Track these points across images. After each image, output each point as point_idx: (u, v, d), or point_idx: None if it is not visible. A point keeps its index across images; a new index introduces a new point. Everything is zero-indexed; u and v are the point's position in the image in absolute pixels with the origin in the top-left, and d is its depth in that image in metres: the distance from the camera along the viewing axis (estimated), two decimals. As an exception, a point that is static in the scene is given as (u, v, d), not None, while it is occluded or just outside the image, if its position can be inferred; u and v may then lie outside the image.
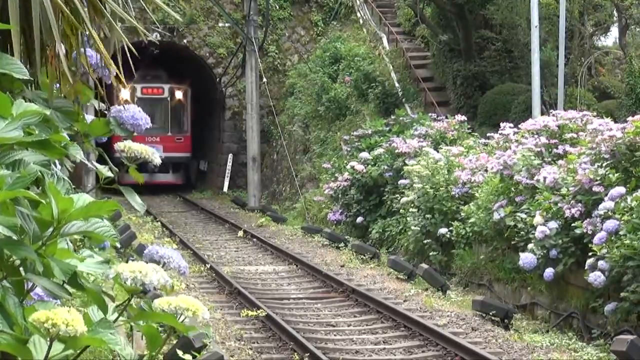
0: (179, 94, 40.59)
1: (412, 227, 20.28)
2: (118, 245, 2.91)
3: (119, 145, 3.49)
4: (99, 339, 2.45)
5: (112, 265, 2.80)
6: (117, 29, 3.80)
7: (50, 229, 2.71)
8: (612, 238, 13.21)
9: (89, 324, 2.48)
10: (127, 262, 2.81)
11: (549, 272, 14.61)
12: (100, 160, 3.82)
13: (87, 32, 3.65)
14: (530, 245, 15.08)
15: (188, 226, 29.57)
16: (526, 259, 14.94)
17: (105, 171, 3.40)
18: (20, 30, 3.50)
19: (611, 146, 14.48)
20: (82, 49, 3.77)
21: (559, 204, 14.85)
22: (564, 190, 14.90)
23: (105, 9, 3.75)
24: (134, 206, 3.45)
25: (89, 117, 3.63)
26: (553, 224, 14.71)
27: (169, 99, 40.19)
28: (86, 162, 3.50)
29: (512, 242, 16.12)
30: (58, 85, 3.70)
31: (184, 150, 40.47)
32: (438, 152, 21.47)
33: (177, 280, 16.97)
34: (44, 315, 2.33)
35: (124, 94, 36.19)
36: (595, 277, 13.18)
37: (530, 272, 15.32)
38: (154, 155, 3.66)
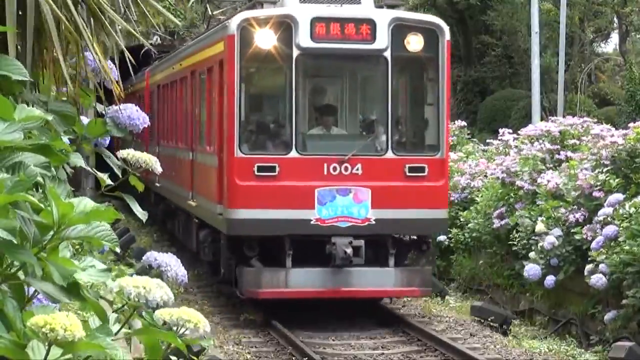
0: (416, 42, 14.97)
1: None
2: (118, 250, 2.90)
3: (121, 153, 3.37)
4: (97, 344, 2.45)
5: (114, 274, 2.80)
6: (114, 35, 3.80)
7: (51, 233, 2.70)
8: (612, 244, 13.22)
9: (87, 331, 2.47)
10: (125, 265, 2.81)
11: (550, 279, 14.55)
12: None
13: (85, 38, 3.64)
14: (531, 254, 15.01)
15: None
16: (531, 270, 14.73)
17: (106, 178, 3.38)
18: (22, 33, 3.50)
19: (612, 152, 14.50)
20: (82, 53, 3.77)
21: (562, 210, 14.85)
22: (567, 197, 14.90)
23: (104, 15, 3.75)
24: (137, 214, 3.42)
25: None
26: (558, 231, 14.65)
27: (389, 54, 14.91)
28: (87, 168, 3.48)
29: (513, 249, 16.06)
30: (65, 89, 3.69)
31: (431, 203, 14.85)
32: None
33: (176, 285, 16.92)
34: (42, 320, 2.32)
35: (262, 39, 14.43)
36: (597, 280, 13.16)
37: (534, 282, 15.25)
38: (156, 163, 3.36)
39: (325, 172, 14.44)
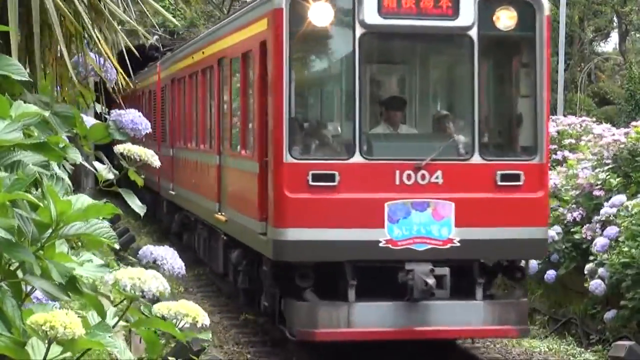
0: (508, 19, 11.85)
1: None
2: (117, 246, 2.89)
3: (118, 148, 3.35)
4: (97, 341, 2.45)
5: (112, 269, 2.80)
6: (118, 31, 3.80)
7: (49, 231, 2.70)
8: (612, 244, 13.23)
9: (87, 328, 2.48)
10: (125, 265, 2.80)
11: (550, 274, 14.57)
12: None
13: (88, 35, 3.64)
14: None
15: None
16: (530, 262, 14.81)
17: (105, 173, 3.37)
18: (22, 32, 3.50)
19: (614, 150, 14.53)
20: (85, 51, 3.77)
21: (560, 209, 14.88)
22: (565, 196, 14.91)
23: (106, 11, 3.75)
24: (134, 209, 3.39)
25: (90, 120, 3.62)
26: (558, 228, 14.69)
27: (475, 33, 11.79)
28: (85, 164, 3.48)
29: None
30: (58, 87, 3.69)
31: (528, 220, 11.79)
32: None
33: (175, 284, 16.94)
34: (42, 317, 2.32)
35: (317, 15, 11.39)
36: (596, 286, 13.17)
37: (531, 276, 15.27)
38: (154, 157, 3.35)
39: (397, 182, 11.49)
